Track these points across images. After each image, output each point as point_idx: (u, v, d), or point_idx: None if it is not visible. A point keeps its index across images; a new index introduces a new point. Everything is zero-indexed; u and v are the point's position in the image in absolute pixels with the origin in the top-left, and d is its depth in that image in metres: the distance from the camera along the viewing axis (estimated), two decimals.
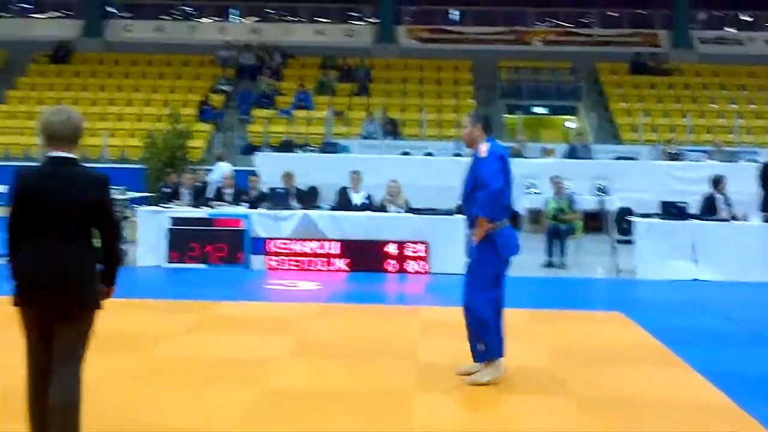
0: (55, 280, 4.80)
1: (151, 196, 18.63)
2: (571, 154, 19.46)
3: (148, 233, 13.57)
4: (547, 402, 6.35)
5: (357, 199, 14.55)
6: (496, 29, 33.05)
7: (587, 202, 16.02)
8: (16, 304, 4.87)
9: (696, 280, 12.86)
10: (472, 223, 6.83)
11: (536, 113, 30.26)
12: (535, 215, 17.53)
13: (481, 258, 6.75)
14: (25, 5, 35.03)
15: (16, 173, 4.94)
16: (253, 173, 16.17)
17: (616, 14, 34.07)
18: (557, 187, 14.70)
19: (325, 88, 28.97)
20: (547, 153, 20.74)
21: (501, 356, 6.82)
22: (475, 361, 6.87)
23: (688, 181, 16.89)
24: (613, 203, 16.12)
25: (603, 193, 16.09)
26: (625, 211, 14.58)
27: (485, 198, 6.61)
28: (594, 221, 16.06)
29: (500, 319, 6.94)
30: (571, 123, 30.16)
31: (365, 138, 22.81)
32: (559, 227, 14.13)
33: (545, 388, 6.70)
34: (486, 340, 6.74)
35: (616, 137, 26.70)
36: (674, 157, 18.93)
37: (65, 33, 32.84)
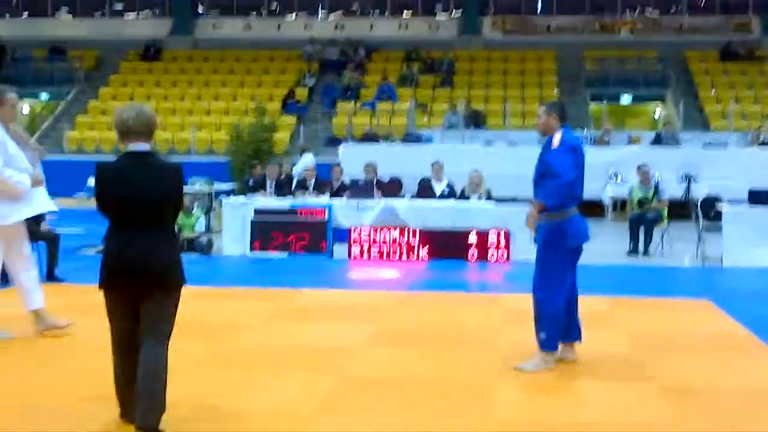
0: (142, 263, 4.99)
1: (237, 187, 18.95)
2: (658, 142, 19.11)
3: (232, 223, 13.79)
4: (627, 389, 6.25)
5: (438, 188, 14.57)
6: (582, 19, 32.65)
7: (673, 190, 15.70)
8: (104, 290, 5.10)
9: None
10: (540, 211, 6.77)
11: (622, 102, 29.76)
12: (620, 203, 17.29)
13: (550, 247, 6.66)
14: (117, 5, 35.95)
15: (97, 168, 5.15)
16: (337, 165, 16.30)
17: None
18: (644, 176, 14.39)
19: (409, 80, 29.01)
20: (633, 141, 20.41)
21: (555, 350, 6.76)
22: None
23: None
24: (700, 191, 15.75)
25: (690, 180, 15.72)
26: (713, 199, 14.22)
27: (555, 188, 6.53)
28: (680, 209, 15.73)
29: (574, 307, 6.87)
30: (659, 111, 29.61)
31: (448, 128, 22.75)
32: (645, 215, 13.87)
33: (626, 375, 6.61)
34: (547, 331, 6.67)
35: (705, 125, 26.13)
36: (765, 144, 18.43)
37: (156, 32, 33.63)
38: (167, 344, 5.13)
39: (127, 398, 5.19)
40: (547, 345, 6.69)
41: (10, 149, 7.20)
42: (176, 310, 5.19)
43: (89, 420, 5.36)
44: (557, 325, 6.71)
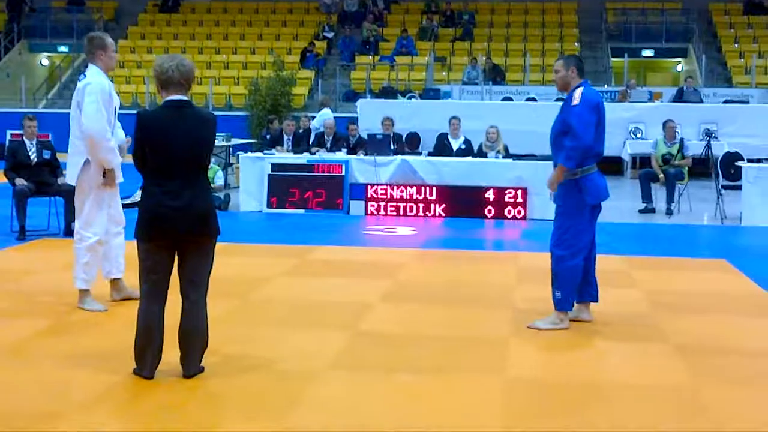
0: (187, 212, 5.11)
1: (254, 142, 18.93)
2: (680, 97, 18.91)
3: (249, 179, 13.78)
4: (642, 349, 6.22)
5: (456, 144, 14.50)
6: None
7: (693, 146, 15.53)
8: (142, 240, 5.17)
9: None
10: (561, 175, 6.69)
11: (644, 56, 29.36)
12: (640, 161, 17.14)
13: (569, 204, 6.60)
14: None
15: (138, 116, 5.22)
16: (352, 122, 16.22)
17: None
18: (670, 132, 14.17)
19: (428, 33, 28.76)
20: (654, 97, 20.22)
21: (570, 310, 6.73)
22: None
23: None
24: (721, 148, 15.58)
25: (710, 137, 15.54)
26: (733, 156, 14.05)
27: (574, 149, 6.43)
28: (700, 166, 15.58)
29: (592, 265, 6.83)
30: (681, 66, 29.25)
31: (466, 83, 22.58)
32: (666, 171, 13.68)
33: (642, 335, 6.57)
34: (562, 290, 6.63)
35: (727, 80, 25.80)
36: None
37: None
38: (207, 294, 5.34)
39: (145, 355, 5.22)
40: (562, 304, 6.67)
41: (114, 104, 6.98)
42: (213, 262, 5.35)
43: (106, 372, 5.40)
44: (573, 284, 6.67)
